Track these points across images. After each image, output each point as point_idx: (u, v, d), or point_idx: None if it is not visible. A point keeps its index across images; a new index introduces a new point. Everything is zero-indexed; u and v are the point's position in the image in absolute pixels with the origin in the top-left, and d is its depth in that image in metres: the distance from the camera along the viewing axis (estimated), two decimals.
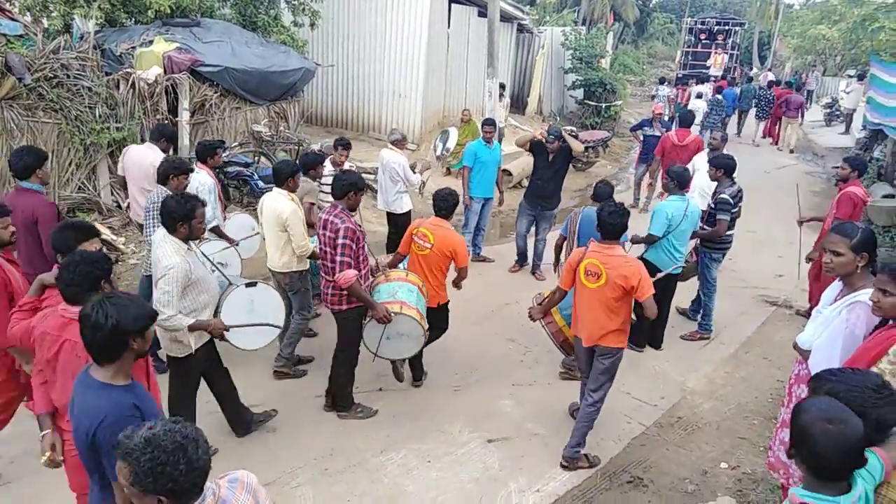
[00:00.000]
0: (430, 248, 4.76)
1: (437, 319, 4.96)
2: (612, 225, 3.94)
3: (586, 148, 13.18)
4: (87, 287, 2.67)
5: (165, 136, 5.91)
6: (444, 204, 4.83)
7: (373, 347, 4.49)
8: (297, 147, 9.61)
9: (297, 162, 5.33)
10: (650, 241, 5.68)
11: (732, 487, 4.25)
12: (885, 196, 10.27)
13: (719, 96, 16.12)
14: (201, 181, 5.42)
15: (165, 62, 8.28)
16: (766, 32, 38.52)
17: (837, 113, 20.99)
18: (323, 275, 4.47)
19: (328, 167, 6.43)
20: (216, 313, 3.91)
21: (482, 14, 13.96)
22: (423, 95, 12.88)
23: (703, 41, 27.74)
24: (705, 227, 6.01)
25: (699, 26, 27.75)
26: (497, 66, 11.48)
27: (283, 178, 4.86)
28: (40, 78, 7.19)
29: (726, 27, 27.30)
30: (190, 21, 9.34)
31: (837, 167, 6.36)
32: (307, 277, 5.16)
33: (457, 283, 5.06)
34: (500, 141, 8.28)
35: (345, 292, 4.31)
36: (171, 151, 6.01)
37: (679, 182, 5.69)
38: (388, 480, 4.10)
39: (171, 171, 4.74)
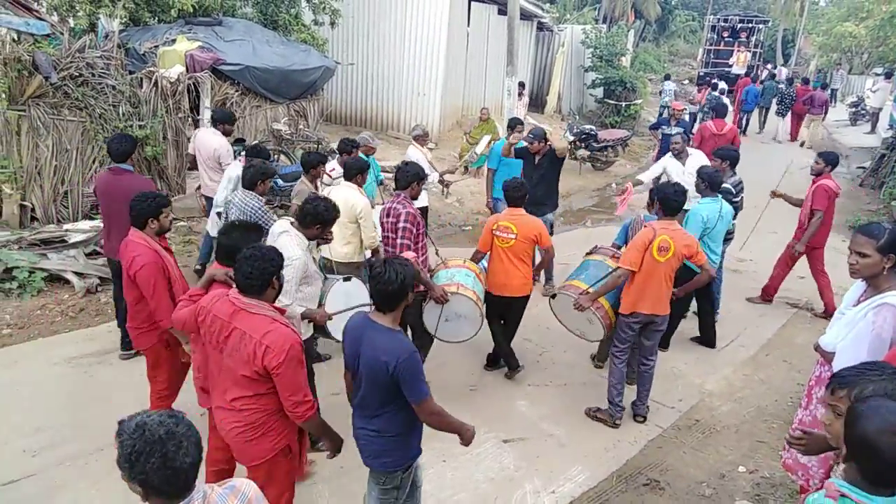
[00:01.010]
0: (515, 238, 4.89)
1: (520, 308, 5.17)
2: (676, 202, 4.43)
3: (604, 147, 13.12)
4: (262, 283, 2.82)
5: (222, 121, 6.62)
6: (517, 193, 4.96)
7: (431, 329, 4.78)
8: (316, 145, 9.67)
9: (349, 162, 5.39)
10: None
11: (750, 492, 4.20)
12: None
13: (716, 93, 16.45)
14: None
15: (188, 61, 8.38)
16: (791, 30, 37.93)
17: (863, 112, 20.65)
18: None
19: (337, 170, 6.51)
20: (319, 304, 4.08)
21: (502, 12, 13.94)
22: (442, 94, 12.90)
23: (726, 39, 27.42)
24: None
25: (722, 24, 27.43)
26: (516, 64, 11.45)
27: (353, 173, 5.18)
28: (66, 77, 7.31)
29: (750, 24, 26.96)
30: (212, 20, 9.45)
31: (817, 163, 6.58)
32: (362, 271, 5.20)
33: (542, 265, 5.33)
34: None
35: None
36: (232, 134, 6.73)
37: (710, 183, 5.57)
38: None
39: (259, 178, 4.85)
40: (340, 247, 5.03)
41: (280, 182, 8.63)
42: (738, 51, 26.40)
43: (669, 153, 7.30)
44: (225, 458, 3.32)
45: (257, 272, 2.78)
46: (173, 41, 8.62)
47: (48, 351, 5.42)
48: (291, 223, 3.89)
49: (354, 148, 6.38)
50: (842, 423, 1.93)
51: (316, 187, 6.10)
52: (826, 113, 17.63)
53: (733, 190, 6.06)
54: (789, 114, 17.98)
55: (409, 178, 4.69)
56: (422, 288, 4.50)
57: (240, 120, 9.18)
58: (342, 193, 4.99)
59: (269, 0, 10.76)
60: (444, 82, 12.87)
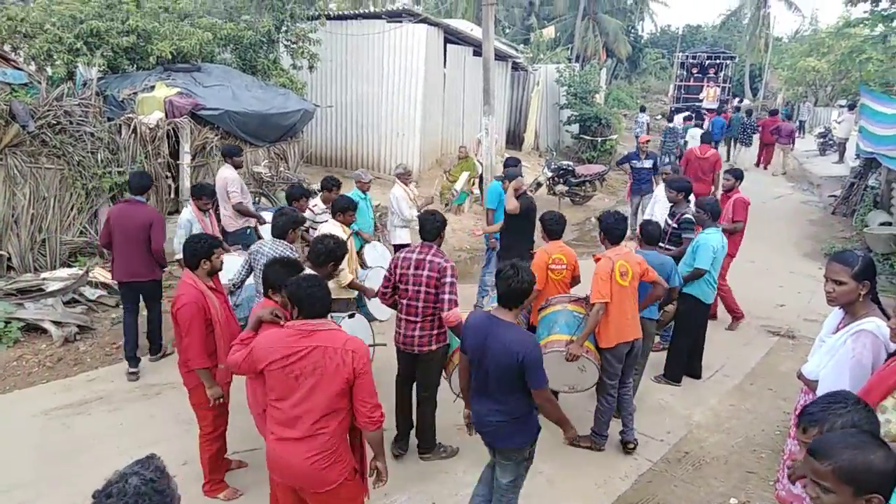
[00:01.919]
0: (566, 268, 5.06)
1: None
2: (618, 230, 4.64)
3: (582, 182, 13.33)
4: (325, 307, 3.02)
5: (230, 155, 7.18)
6: (558, 227, 5.13)
7: (457, 388, 4.39)
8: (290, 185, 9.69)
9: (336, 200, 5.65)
10: (699, 275, 5.64)
11: None
12: (882, 224, 10.33)
13: (671, 125, 17.48)
14: (181, 216, 5.96)
15: (167, 106, 8.42)
16: (758, 65, 39.20)
17: (831, 142, 21.26)
18: (404, 317, 4.39)
19: (319, 205, 6.58)
20: None
21: (477, 53, 14.26)
22: (420, 133, 13.06)
23: (696, 75, 28.24)
24: (670, 246, 6.18)
25: (690, 61, 28.28)
26: (493, 103, 11.67)
27: (337, 210, 5.32)
28: (44, 125, 7.30)
29: (717, 61, 27.82)
30: (191, 66, 9.53)
31: (727, 180, 7.30)
32: (349, 306, 5.21)
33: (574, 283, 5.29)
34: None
35: (435, 332, 4.36)
36: (241, 166, 7.32)
37: (713, 214, 5.71)
38: None
39: (290, 226, 4.85)
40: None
41: (305, 222, 8.61)
42: (708, 86, 27.18)
43: (662, 184, 7.51)
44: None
45: (322, 297, 3.00)
46: (152, 88, 8.66)
47: (25, 403, 5.28)
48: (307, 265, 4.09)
49: (335, 186, 6.56)
50: (830, 499, 1.93)
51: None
52: (793, 142, 19.04)
53: (693, 219, 6.11)
54: (755, 143, 19.42)
55: (439, 227, 4.41)
56: (441, 343, 4.45)
57: (219, 164, 9.18)
58: (327, 229, 5.05)
59: (248, 45, 10.89)
60: (423, 122, 13.04)
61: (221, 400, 4.00)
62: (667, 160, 11.39)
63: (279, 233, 4.81)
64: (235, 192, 6.97)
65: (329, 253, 4.10)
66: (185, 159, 8.67)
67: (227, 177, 7.06)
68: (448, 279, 4.19)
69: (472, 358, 3.39)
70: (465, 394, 3.64)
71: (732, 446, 5.06)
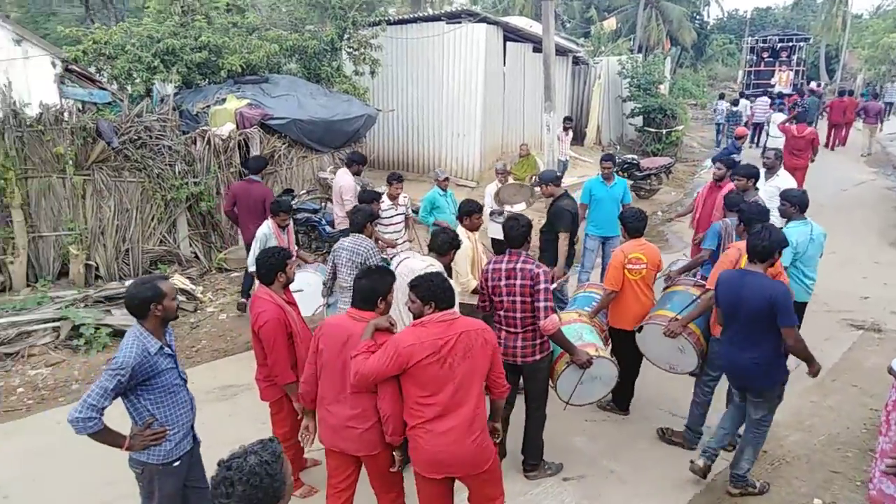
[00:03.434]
0: (646, 266, 4.93)
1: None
2: (638, 224, 4.96)
3: (647, 175, 13.02)
4: (452, 300, 3.29)
5: (355, 162, 7.51)
6: (639, 224, 5.01)
7: (566, 396, 4.47)
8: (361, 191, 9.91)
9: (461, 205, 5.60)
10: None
11: None
12: None
13: (735, 108, 18.77)
14: (259, 231, 6.12)
15: (237, 118, 8.78)
16: (834, 45, 37.18)
17: None
18: (504, 328, 4.22)
19: (385, 201, 6.76)
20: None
21: (537, 49, 14.15)
22: (481, 133, 13.08)
23: (766, 59, 27.10)
24: None
25: (761, 45, 27.16)
26: (554, 99, 11.57)
27: (462, 215, 5.29)
28: (126, 140, 7.75)
29: (790, 43, 26.61)
30: (259, 78, 9.89)
31: (718, 169, 6.83)
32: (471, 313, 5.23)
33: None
34: (562, 174, 8.12)
35: (539, 341, 4.19)
36: (361, 174, 7.65)
37: (800, 206, 5.29)
38: None
39: (367, 220, 5.12)
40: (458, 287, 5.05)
41: (328, 229, 8.85)
42: (780, 70, 26.01)
43: (782, 170, 7.43)
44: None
45: (451, 289, 3.30)
46: (223, 100, 9.05)
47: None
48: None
49: (396, 180, 6.92)
50: None
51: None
52: (881, 122, 18.80)
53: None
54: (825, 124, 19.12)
55: (526, 232, 4.20)
56: (546, 352, 4.27)
57: (287, 170, 9.52)
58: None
59: (312, 55, 11.21)
60: (483, 122, 13.05)
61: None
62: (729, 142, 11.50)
63: (358, 227, 5.05)
64: (349, 200, 7.12)
65: (452, 241, 4.41)
66: None
67: (343, 183, 7.38)
68: (542, 286, 3.99)
69: (727, 311, 3.95)
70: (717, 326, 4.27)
71: (815, 445, 4.85)
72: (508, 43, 14.15)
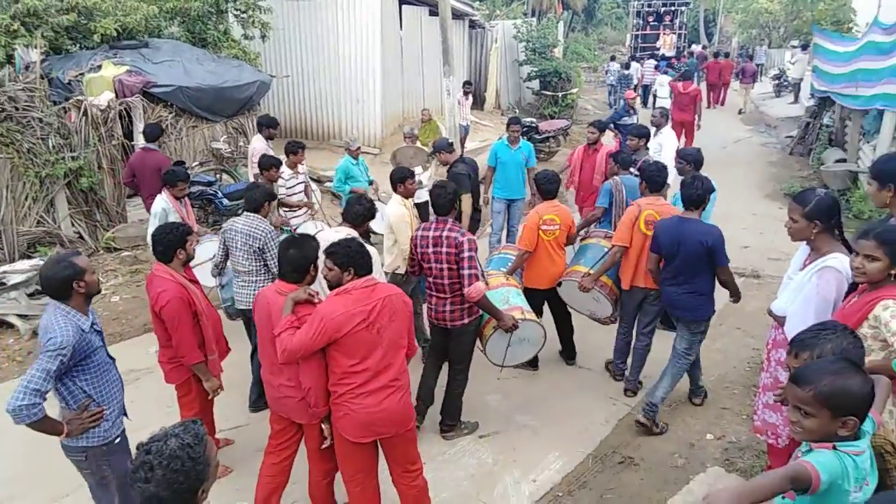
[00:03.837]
0: (559, 227, 5.09)
1: (558, 297, 5.27)
2: (659, 179, 4.87)
3: (546, 138, 13.35)
4: (370, 266, 3.31)
5: (264, 125, 7.44)
6: (552, 186, 5.18)
7: (497, 359, 4.56)
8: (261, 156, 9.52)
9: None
10: None
11: (720, 457, 4.35)
12: (837, 161, 10.59)
13: (626, 71, 19.54)
14: (154, 205, 5.58)
15: (116, 86, 8.14)
16: (711, 10, 39.28)
17: (786, 83, 21.57)
18: (435, 294, 4.31)
19: (286, 171, 6.57)
20: None
21: (433, 13, 14.00)
22: (381, 99, 12.85)
23: (651, 23, 28.27)
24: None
25: (646, 9, 28.26)
26: (452, 63, 11.51)
27: (395, 183, 5.12)
28: None
29: (672, 7, 27.84)
30: (138, 42, 9.18)
31: (591, 133, 7.30)
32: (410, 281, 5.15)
33: (570, 242, 5.40)
34: (464, 140, 8.23)
35: (466, 306, 4.23)
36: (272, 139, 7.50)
37: (695, 163, 5.57)
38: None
39: (265, 199, 4.72)
40: (386, 258, 5.05)
41: (225, 202, 8.47)
42: (664, 34, 27.23)
43: (666, 127, 8.13)
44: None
45: (369, 255, 3.31)
46: (99, 67, 8.34)
47: None
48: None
49: (300, 149, 6.75)
50: (809, 422, 2.04)
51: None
52: (755, 82, 20.60)
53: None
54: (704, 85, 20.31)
55: (451, 200, 4.24)
56: (475, 315, 4.35)
57: (177, 142, 8.97)
58: (392, 209, 5.08)
59: (196, 17, 10.49)
60: (382, 87, 12.82)
61: (220, 391, 3.92)
62: (622, 104, 12.23)
63: (254, 207, 4.65)
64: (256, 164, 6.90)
65: (367, 213, 4.38)
66: (141, 140, 8.41)
67: (254, 146, 7.38)
68: (466, 254, 4.03)
69: (668, 253, 4.35)
70: (655, 275, 4.57)
71: (707, 385, 5.23)
72: (404, 6, 13.90)
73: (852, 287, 2.99)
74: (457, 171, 6.54)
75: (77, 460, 3.10)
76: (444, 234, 4.13)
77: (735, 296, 4.50)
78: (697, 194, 4.30)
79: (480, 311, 4.36)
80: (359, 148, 7.64)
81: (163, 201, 5.58)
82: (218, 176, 9.13)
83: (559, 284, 5.14)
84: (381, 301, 3.17)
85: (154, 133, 7.19)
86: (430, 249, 4.17)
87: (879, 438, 2.21)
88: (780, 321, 3.40)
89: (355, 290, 3.16)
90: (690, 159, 5.59)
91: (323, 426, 3.38)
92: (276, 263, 4.33)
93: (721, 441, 4.52)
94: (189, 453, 1.79)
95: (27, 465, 4.35)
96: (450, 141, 7.18)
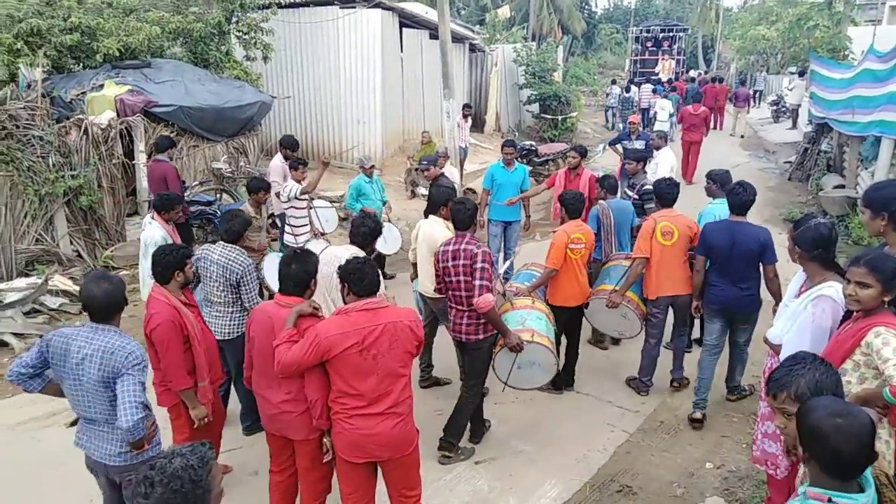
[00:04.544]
0: (584, 247, 5.19)
1: (579, 318, 5.39)
2: (670, 195, 5.17)
3: (545, 161, 13.40)
4: (377, 287, 3.22)
5: (284, 146, 7.54)
6: (578, 206, 5.24)
7: (503, 377, 4.54)
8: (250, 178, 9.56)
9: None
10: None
11: (719, 487, 4.29)
12: (836, 186, 10.62)
13: (627, 94, 20.34)
14: (150, 234, 5.23)
15: (118, 105, 8.18)
16: (710, 36, 39.75)
17: (784, 109, 21.73)
18: (454, 305, 4.42)
19: (293, 185, 6.77)
20: None
21: (434, 36, 14.14)
22: (381, 120, 12.94)
23: (650, 48, 28.60)
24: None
25: (645, 34, 28.62)
26: (452, 86, 11.61)
27: (438, 205, 5.01)
28: None
29: (671, 34, 28.20)
30: (140, 63, 9.25)
31: (573, 157, 7.19)
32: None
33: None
34: (463, 162, 8.30)
35: (482, 321, 4.30)
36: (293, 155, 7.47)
37: (721, 184, 5.59)
38: None
39: (245, 229, 4.65)
40: (427, 281, 4.96)
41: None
42: (663, 59, 27.51)
43: (665, 148, 8.61)
44: None
45: (377, 275, 3.21)
46: (101, 86, 8.40)
47: None
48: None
49: (303, 165, 6.89)
50: (794, 424, 1.99)
51: (260, 212, 6.14)
52: (749, 106, 21.47)
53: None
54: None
55: (471, 216, 4.41)
56: (490, 332, 4.38)
57: (177, 161, 8.98)
58: (427, 227, 5.05)
59: (198, 38, 10.60)
60: (383, 108, 12.92)
61: (206, 420, 3.79)
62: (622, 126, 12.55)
63: (232, 238, 4.47)
64: (276, 182, 7.16)
65: (371, 232, 4.25)
66: (141, 159, 8.45)
67: (274, 166, 7.58)
68: (479, 264, 4.14)
69: (721, 254, 4.62)
70: (703, 276, 4.85)
71: (705, 412, 5.18)
72: (405, 29, 14.05)
73: (848, 314, 2.98)
74: (441, 183, 6.77)
75: (124, 479, 3.14)
76: (462, 246, 4.25)
77: (777, 297, 4.54)
78: (743, 199, 4.65)
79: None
80: (373, 166, 7.78)
81: (159, 230, 5.28)
82: (218, 195, 9.14)
83: (587, 305, 5.25)
84: (381, 326, 3.09)
85: (163, 144, 7.37)
86: (451, 263, 4.29)
87: (875, 469, 2.17)
88: (775, 349, 3.38)
89: (354, 312, 3.11)
90: (718, 179, 5.65)
91: (325, 440, 3.34)
92: (252, 299, 4.39)
93: (720, 470, 4.46)
94: (191, 475, 1.75)
95: (18, 485, 4.28)
96: (438, 154, 7.26)
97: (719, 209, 5.48)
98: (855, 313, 2.86)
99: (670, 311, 5.28)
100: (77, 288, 7.17)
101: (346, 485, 3.33)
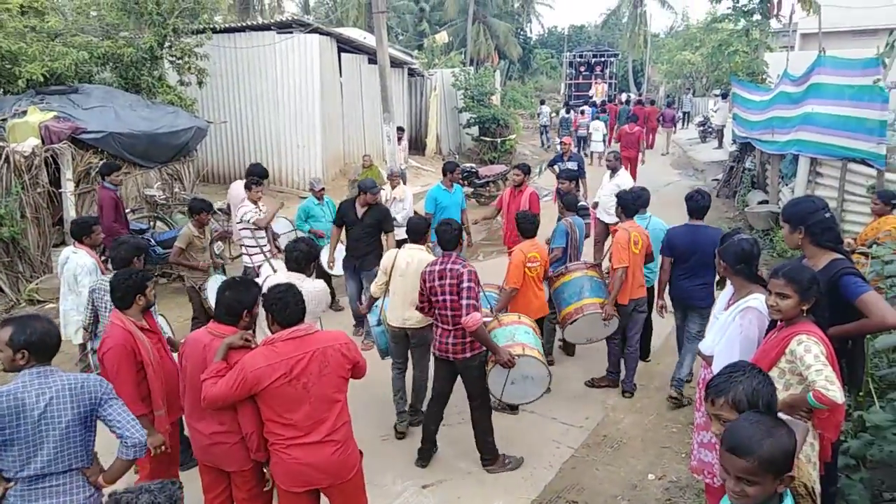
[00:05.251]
0: (539, 265, 5.43)
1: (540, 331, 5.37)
2: (633, 206, 5.63)
3: (486, 182, 13.59)
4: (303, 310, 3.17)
5: (255, 174, 7.06)
6: (531, 225, 5.51)
7: (497, 393, 4.58)
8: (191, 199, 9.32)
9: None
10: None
11: (661, 497, 4.39)
12: (760, 202, 11.17)
13: (567, 115, 20.49)
14: (80, 263, 5.04)
15: (43, 132, 7.87)
16: (639, 60, 41.42)
17: (710, 130, 22.80)
18: (440, 325, 4.45)
19: (249, 206, 6.64)
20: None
21: (372, 61, 14.22)
22: (321, 144, 12.88)
23: (584, 73, 29.58)
24: None
25: (578, 59, 29.62)
26: (392, 110, 11.69)
27: (419, 234, 5.05)
28: None
29: (602, 59, 29.29)
30: (66, 88, 8.95)
31: (517, 175, 7.52)
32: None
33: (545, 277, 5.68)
34: (403, 183, 8.30)
35: (468, 339, 4.34)
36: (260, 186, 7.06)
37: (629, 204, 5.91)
38: None
39: (134, 255, 4.29)
40: (413, 311, 4.76)
41: (159, 249, 8.19)
42: (596, 83, 28.48)
43: (622, 170, 8.68)
44: None
45: (303, 302, 3.15)
46: (24, 113, 8.06)
47: None
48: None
49: (257, 183, 6.72)
50: None
51: (203, 233, 6.01)
52: (675, 126, 22.90)
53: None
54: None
55: (457, 236, 4.53)
56: (478, 350, 4.42)
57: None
58: (408, 255, 4.93)
59: (129, 63, 10.33)
60: (323, 132, 12.87)
61: (164, 448, 3.64)
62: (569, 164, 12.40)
63: (122, 265, 4.23)
64: (237, 206, 7.08)
65: (306, 256, 4.19)
66: (68, 187, 8.12)
67: (232, 193, 7.80)
68: (465, 284, 4.20)
69: (684, 254, 5.19)
70: (668, 276, 5.37)
71: (646, 424, 5.31)
72: (343, 54, 14.10)
73: (773, 324, 3.12)
74: (383, 208, 6.89)
75: None
76: (448, 266, 4.32)
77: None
78: (703, 204, 5.34)
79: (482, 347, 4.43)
80: (322, 189, 7.75)
81: (88, 260, 5.08)
82: (151, 223, 8.86)
83: (572, 322, 5.38)
84: (308, 354, 3.04)
85: (102, 170, 7.29)
86: (437, 282, 4.34)
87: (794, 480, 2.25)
88: (707, 360, 3.51)
89: (280, 342, 3.05)
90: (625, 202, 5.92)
91: (265, 469, 3.25)
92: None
93: (662, 481, 4.57)
94: None
95: None
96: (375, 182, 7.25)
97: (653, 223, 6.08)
98: (779, 323, 3.00)
99: None
100: None
101: None
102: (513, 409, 5.44)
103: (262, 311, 3.28)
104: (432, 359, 4.75)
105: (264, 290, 3.33)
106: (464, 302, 4.18)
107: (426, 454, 4.78)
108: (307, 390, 3.02)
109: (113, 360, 3.48)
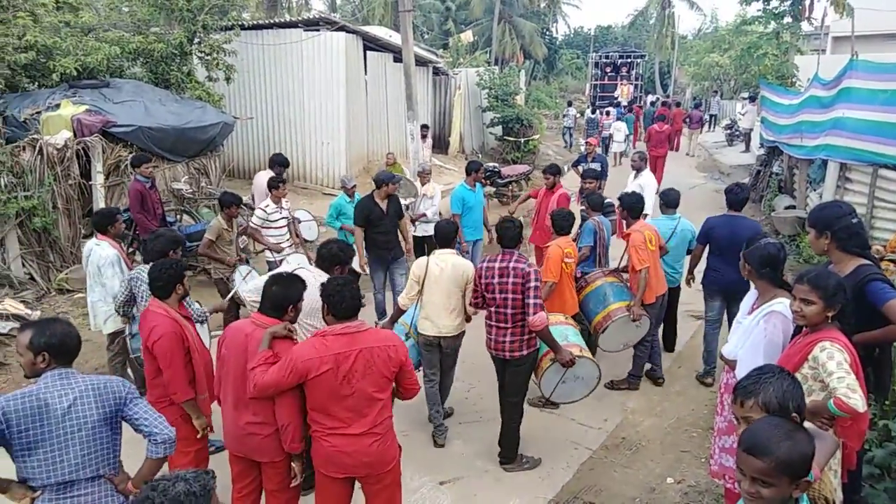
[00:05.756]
0: (573, 261, 5.48)
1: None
2: (637, 207, 5.69)
3: (508, 182, 13.58)
4: (357, 310, 3.23)
5: (278, 164, 7.74)
6: (566, 223, 5.49)
7: (548, 392, 4.65)
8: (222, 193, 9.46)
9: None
10: None
11: (680, 501, 4.36)
12: (787, 207, 11.01)
13: (593, 116, 21.16)
14: (102, 255, 5.14)
15: (75, 125, 8.02)
16: (666, 62, 41.01)
17: (737, 133, 22.48)
18: (494, 324, 4.46)
19: (270, 205, 6.84)
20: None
21: (397, 60, 14.28)
22: (346, 141, 12.96)
23: (609, 74, 29.36)
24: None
25: (604, 60, 29.39)
26: (416, 108, 11.73)
27: (449, 239, 4.90)
28: None
29: (629, 60, 29.04)
30: (98, 82, 9.11)
31: (547, 178, 7.48)
32: None
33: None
34: (428, 181, 8.35)
35: (526, 337, 4.39)
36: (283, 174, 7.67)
37: (667, 202, 6.23)
38: None
39: (170, 248, 4.41)
40: (451, 320, 4.73)
41: (186, 242, 8.31)
42: (622, 84, 28.27)
43: (646, 170, 8.63)
44: None
45: (358, 298, 3.21)
46: (57, 106, 8.23)
47: None
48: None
49: (283, 183, 6.92)
50: None
51: (231, 226, 6.13)
52: (702, 127, 22.92)
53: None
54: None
55: (518, 233, 4.53)
56: (532, 348, 4.45)
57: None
58: (452, 261, 4.74)
59: (159, 59, 10.50)
60: (347, 130, 12.94)
61: (208, 430, 3.78)
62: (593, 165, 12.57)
63: (157, 256, 4.29)
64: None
65: (333, 257, 4.13)
66: (98, 179, 8.28)
67: (256, 184, 8.04)
68: (532, 283, 4.23)
69: (722, 243, 5.43)
70: (697, 262, 5.93)
71: (666, 428, 5.28)
72: (369, 52, 14.16)
73: (798, 329, 3.09)
74: (396, 196, 7.00)
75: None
76: (511, 265, 4.32)
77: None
78: (741, 197, 5.69)
79: (538, 345, 4.47)
80: (354, 186, 7.79)
81: (111, 251, 5.17)
82: (178, 217, 9.00)
83: (604, 330, 5.36)
84: (356, 352, 3.08)
85: (132, 161, 7.29)
86: (496, 280, 4.33)
87: (814, 492, 2.23)
88: (731, 365, 3.48)
89: (331, 336, 3.11)
90: (663, 199, 6.31)
91: (292, 464, 3.31)
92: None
93: (681, 485, 4.54)
94: (192, 502, 1.74)
95: None
96: (394, 174, 7.31)
97: (659, 224, 6.12)
98: (803, 329, 2.97)
99: None
100: (28, 312, 6.95)
101: (321, 499, 3.31)
102: (554, 405, 5.46)
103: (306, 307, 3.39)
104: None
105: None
106: (531, 301, 4.21)
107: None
108: (350, 386, 3.08)
109: (166, 347, 3.57)
